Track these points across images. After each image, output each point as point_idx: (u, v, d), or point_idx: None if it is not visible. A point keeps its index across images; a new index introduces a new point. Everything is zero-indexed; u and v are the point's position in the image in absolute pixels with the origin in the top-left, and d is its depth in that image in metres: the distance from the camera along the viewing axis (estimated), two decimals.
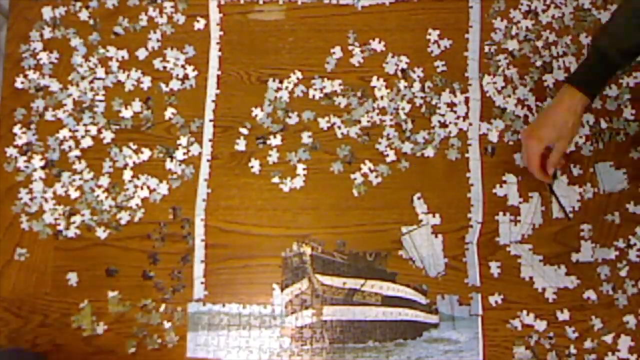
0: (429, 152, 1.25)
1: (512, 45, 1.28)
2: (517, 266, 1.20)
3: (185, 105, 1.28)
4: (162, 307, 1.22)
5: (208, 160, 1.26)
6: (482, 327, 1.19)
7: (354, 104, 1.27)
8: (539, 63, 1.27)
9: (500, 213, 1.22)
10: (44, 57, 1.30)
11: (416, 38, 1.29)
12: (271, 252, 1.23)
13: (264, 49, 1.30)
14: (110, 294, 1.22)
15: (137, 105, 1.28)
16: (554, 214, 1.22)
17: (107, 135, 1.27)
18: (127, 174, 1.26)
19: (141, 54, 1.30)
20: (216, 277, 1.22)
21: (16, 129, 1.28)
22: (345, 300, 1.21)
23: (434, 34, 1.29)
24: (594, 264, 1.20)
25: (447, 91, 1.27)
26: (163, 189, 1.25)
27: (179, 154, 1.26)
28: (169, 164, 1.26)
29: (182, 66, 1.29)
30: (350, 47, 1.29)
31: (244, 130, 1.27)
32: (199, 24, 1.31)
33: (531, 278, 1.20)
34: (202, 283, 1.22)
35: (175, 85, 1.29)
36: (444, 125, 1.26)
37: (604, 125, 1.24)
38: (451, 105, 1.26)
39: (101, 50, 1.30)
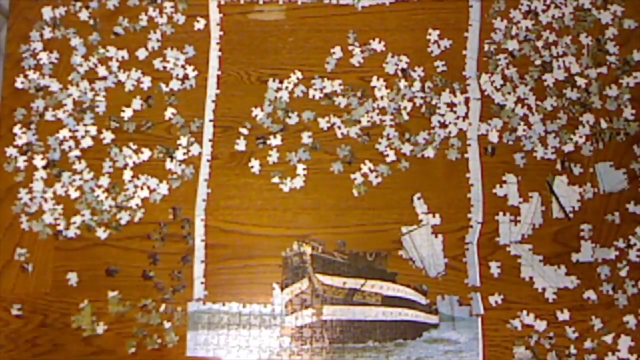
0: (429, 152, 1.25)
1: (512, 45, 1.28)
2: (517, 266, 1.21)
3: (185, 105, 1.28)
4: (162, 307, 1.22)
5: (208, 160, 1.26)
6: (482, 327, 1.19)
7: (354, 104, 1.27)
8: (538, 62, 1.27)
9: (500, 213, 1.22)
10: (44, 57, 1.30)
11: (416, 38, 1.29)
12: (271, 251, 1.23)
13: (264, 49, 1.30)
14: (110, 294, 1.22)
15: (137, 105, 1.28)
16: (554, 214, 1.22)
17: (107, 135, 1.27)
18: (127, 174, 1.26)
19: (141, 54, 1.30)
20: (216, 277, 1.22)
21: (16, 129, 1.28)
22: (345, 300, 1.21)
23: (434, 34, 1.29)
24: (594, 264, 1.20)
25: (447, 91, 1.27)
26: (163, 189, 1.25)
27: (179, 154, 1.26)
28: (168, 164, 1.26)
29: (182, 66, 1.29)
30: (350, 47, 1.29)
31: (244, 130, 1.27)
32: (199, 24, 1.31)
33: (531, 278, 1.20)
34: (202, 283, 1.22)
35: (175, 85, 1.29)
36: (443, 125, 1.26)
37: (604, 125, 1.24)
38: (451, 105, 1.26)
39: (101, 50, 1.30)
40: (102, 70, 1.29)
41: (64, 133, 1.28)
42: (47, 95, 1.29)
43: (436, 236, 1.22)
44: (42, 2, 1.32)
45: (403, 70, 1.28)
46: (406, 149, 1.25)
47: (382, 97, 1.27)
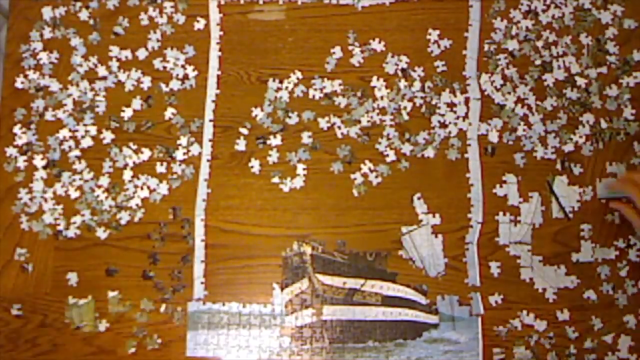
0: (429, 152, 1.25)
1: (512, 45, 1.28)
2: (517, 266, 1.21)
3: (185, 105, 1.28)
4: (162, 307, 1.22)
5: (208, 160, 1.26)
6: (482, 327, 1.19)
7: (354, 104, 1.27)
8: (538, 62, 1.27)
9: (500, 213, 1.22)
10: (44, 57, 1.30)
11: (416, 38, 1.29)
12: (271, 252, 1.23)
13: (264, 49, 1.30)
14: (110, 294, 1.22)
15: (137, 105, 1.28)
16: (553, 214, 1.22)
17: (107, 135, 1.27)
18: (127, 174, 1.26)
19: (141, 54, 1.30)
20: (216, 277, 1.22)
21: (16, 129, 1.28)
22: (345, 300, 1.21)
23: (434, 34, 1.29)
24: (594, 264, 1.20)
25: (447, 91, 1.27)
26: (163, 189, 1.25)
27: (179, 154, 1.27)
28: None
29: (182, 66, 1.29)
30: (350, 47, 1.29)
31: (244, 130, 1.27)
32: (199, 24, 1.31)
33: (531, 278, 1.20)
34: (202, 283, 1.22)
35: (175, 85, 1.29)
36: (443, 125, 1.26)
37: (604, 125, 1.24)
38: (451, 105, 1.26)
39: (101, 50, 1.30)
40: (102, 70, 1.29)
41: (64, 133, 1.28)
42: (47, 95, 1.29)
43: (436, 236, 1.22)
44: (42, 2, 1.32)
45: (403, 70, 1.28)
46: (406, 149, 1.25)
47: (382, 97, 1.27)
